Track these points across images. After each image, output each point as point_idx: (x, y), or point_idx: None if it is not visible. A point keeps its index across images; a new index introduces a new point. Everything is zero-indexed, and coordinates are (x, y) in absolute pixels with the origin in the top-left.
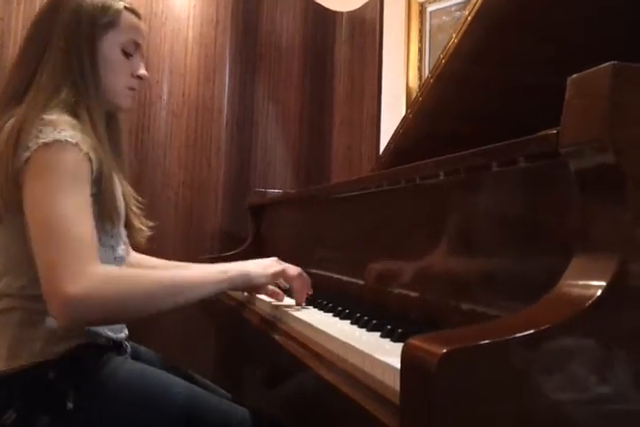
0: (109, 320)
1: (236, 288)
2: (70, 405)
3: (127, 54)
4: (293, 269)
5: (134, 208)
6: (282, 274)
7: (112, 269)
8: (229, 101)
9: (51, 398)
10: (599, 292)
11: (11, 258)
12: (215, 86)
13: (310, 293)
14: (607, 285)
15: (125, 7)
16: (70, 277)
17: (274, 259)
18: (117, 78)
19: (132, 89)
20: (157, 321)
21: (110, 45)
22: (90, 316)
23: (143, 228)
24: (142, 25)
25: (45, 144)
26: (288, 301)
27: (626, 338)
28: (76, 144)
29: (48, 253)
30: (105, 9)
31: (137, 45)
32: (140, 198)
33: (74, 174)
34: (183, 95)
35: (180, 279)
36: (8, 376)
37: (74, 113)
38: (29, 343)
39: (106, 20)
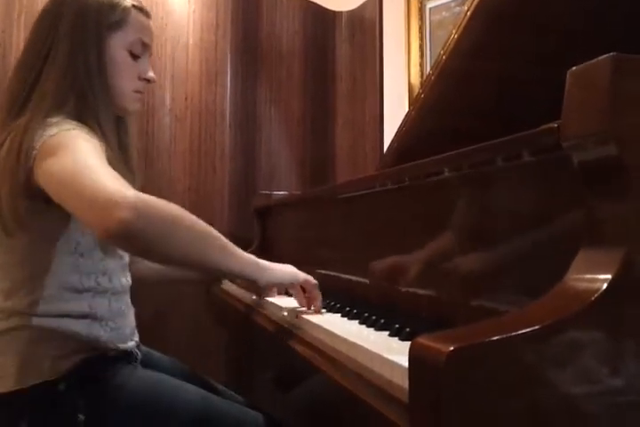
0: (161, 240)
1: (261, 281)
2: (82, 417)
3: (134, 56)
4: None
5: None
6: (309, 280)
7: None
8: (232, 105)
9: (62, 411)
10: (605, 285)
11: (21, 275)
12: (217, 90)
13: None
14: (613, 277)
15: (134, 5)
16: (122, 190)
17: (292, 266)
18: (125, 81)
19: (139, 92)
20: (169, 326)
21: (117, 46)
22: (149, 218)
23: None
24: (151, 24)
25: (51, 136)
26: (293, 303)
27: (634, 330)
28: (83, 131)
29: (85, 185)
30: (113, 7)
31: (145, 46)
32: None
33: (88, 143)
34: (186, 100)
35: (222, 239)
36: (18, 393)
37: (80, 121)
38: (39, 362)
39: (113, 20)
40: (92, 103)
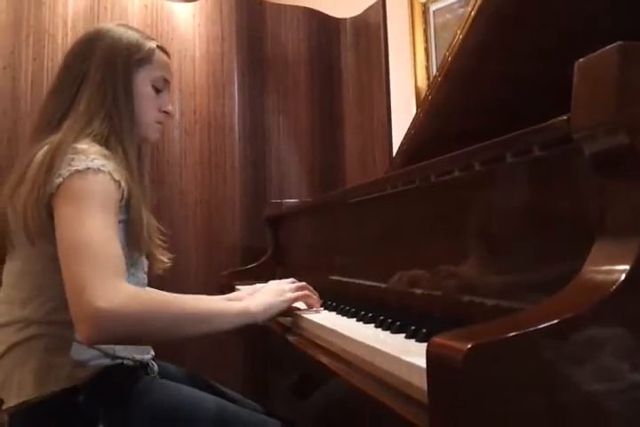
0: (136, 339)
1: (260, 322)
2: (102, 426)
3: (157, 90)
4: (303, 288)
5: (157, 240)
6: (297, 297)
7: (140, 289)
8: (240, 116)
9: (82, 422)
10: (623, 275)
11: (38, 284)
12: (225, 102)
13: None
14: (631, 267)
15: (158, 46)
16: (100, 293)
17: (279, 282)
18: (148, 112)
19: (159, 123)
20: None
21: (143, 80)
22: (118, 332)
23: (164, 259)
24: (171, 63)
25: (78, 171)
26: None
27: None
28: (108, 173)
29: (77, 270)
30: (139, 46)
31: (166, 82)
32: (163, 230)
33: (104, 200)
34: (194, 113)
35: (205, 308)
36: (38, 403)
37: (106, 144)
38: (56, 370)
39: (140, 57)
40: (117, 125)
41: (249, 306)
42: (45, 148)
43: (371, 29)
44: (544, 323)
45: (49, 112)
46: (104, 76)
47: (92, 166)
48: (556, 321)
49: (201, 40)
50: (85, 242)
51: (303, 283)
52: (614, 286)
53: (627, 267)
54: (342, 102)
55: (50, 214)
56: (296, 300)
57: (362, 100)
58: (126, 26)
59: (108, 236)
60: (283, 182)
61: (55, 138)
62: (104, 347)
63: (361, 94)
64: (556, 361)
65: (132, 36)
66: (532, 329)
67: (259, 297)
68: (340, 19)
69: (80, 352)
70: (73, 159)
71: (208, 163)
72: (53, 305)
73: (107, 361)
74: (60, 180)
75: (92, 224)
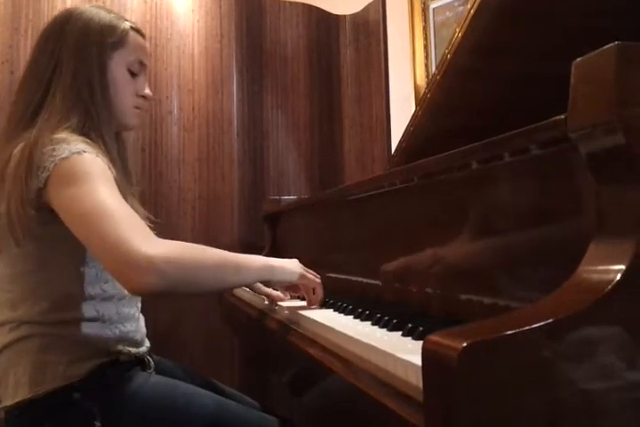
0: (191, 284)
1: (273, 281)
2: (98, 424)
3: (133, 74)
4: (315, 276)
5: None
6: (311, 278)
7: (173, 241)
8: (239, 112)
9: (78, 419)
10: (619, 275)
11: (29, 285)
12: (224, 98)
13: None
14: (627, 267)
15: (132, 27)
16: (145, 242)
17: (297, 260)
18: (125, 98)
19: (138, 108)
20: (182, 333)
21: (117, 65)
22: (176, 276)
23: None
24: (147, 45)
25: (63, 159)
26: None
27: None
28: (93, 153)
29: (108, 233)
30: (112, 29)
31: (142, 65)
32: (152, 218)
33: (99, 173)
34: (193, 110)
35: (233, 259)
36: (34, 401)
37: (85, 135)
38: (51, 368)
39: (113, 40)
40: (95, 118)
41: (269, 261)
42: (21, 145)
43: (370, 26)
44: (540, 322)
45: (22, 105)
46: (77, 65)
47: (76, 150)
48: (551, 320)
49: (200, 36)
50: (101, 208)
51: (318, 275)
52: (610, 286)
53: (622, 267)
54: (341, 99)
55: (38, 210)
56: (307, 279)
57: (361, 97)
58: (99, 7)
59: (120, 200)
60: (281, 179)
61: (31, 134)
62: (97, 341)
63: (360, 91)
64: (551, 360)
65: (104, 17)
66: (527, 328)
67: (279, 260)
68: (339, 15)
69: (75, 350)
70: (54, 149)
71: (206, 159)
72: (45, 305)
73: (102, 358)
74: (47, 173)
75: (100, 193)
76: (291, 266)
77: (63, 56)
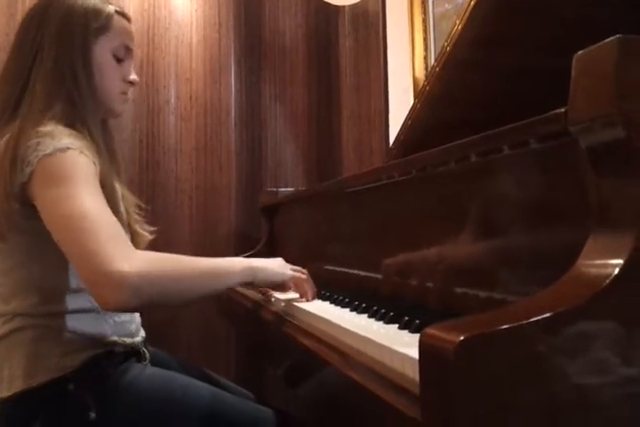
0: (162, 300)
1: (255, 283)
2: (93, 415)
3: (119, 59)
4: (302, 272)
5: (135, 215)
6: (297, 276)
7: (151, 252)
8: (237, 102)
9: (73, 410)
10: (617, 270)
11: (19, 278)
12: (222, 88)
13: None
14: (625, 262)
15: (116, 11)
16: (118, 257)
17: (281, 259)
18: (111, 84)
19: (124, 93)
20: (178, 325)
21: (102, 51)
22: (150, 291)
23: (145, 233)
24: (132, 29)
25: (47, 155)
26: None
27: None
28: (77, 149)
29: (83, 240)
30: (97, 13)
31: (128, 50)
32: (142, 204)
33: (83, 175)
34: (191, 99)
35: (213, 264)
36: (28, 393)
37: (70, 125)
38: (45, 360)
39: (98, 25)
40: (79, 106)
41: (251, 263)
42: (6, 137)
43: (369, 18)
44: (537, 315)
45: (4, 97)
46: (59, 49)
47: (60, 146)
48: (549, 314)
49: (198, 25)
50: (81, 214)
51: (304, 269)
52: (608, 280)
53: (621, 261)
54: (340, 90)
55: (23, 204)
56: (293, 278)
57: (359, 88)
58: None
59: (101, 206)
60: (278, 169)
61: (14, 126)
62: (92, 332)
63: (358, 82)
64: (548, 354)
65: (88, 1)
66: (524, 322)
67: (261, 261)
68: (338, 6)
69: (68, 341)
70: (39, 143)
71: (204, 149)
72: (37, 298)
73: (96, 349)
74: (31, 168)
75: (81, 198)
76: (274, 267)
77: (45, 42)
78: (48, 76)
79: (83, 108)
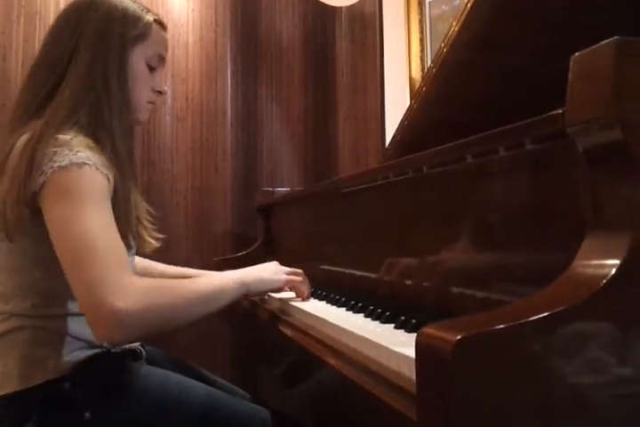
0: (158, 330)
1: (250, 295)
2: (88, 415)
3: (151, 68)
4: (297, 274)
5: (145, 222)
6: (292, 280)
7: (147, 280)
8: (233, 103)
9: (68, 410)
10: (614, 270)
11: (21, 280)
12: (218, 89)
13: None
14: (621, 263)
15: (155, 20)
16: (114, 292)
17: (275, 263)
18: (141, 93)
19: (151, 103)
20: None
21: (137, 59)
22: (141, 328)
23: (152, 241)
24: (167, 38)
25: (61, 167)
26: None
27: None
28: (94, 165)
29: (83, 270)
30: (136, 20)
31: (161, 59)
32: (153, 212)
33: (94, 193)
34: (187, 99)
35: (206, 288)
36: (24, 394)
37: (93, 135)
38: (42, 362)
39: (136, 33)
40: (106, 114)
41: (243, 278)
42: (26, 136)
43: (366, 19)
44: (534, 315)
45: (31, 92)
46: (95, 54)
47: (76, 161)
48: (545, 314)
49: (194, 25)
50: (86, 240)
51: (299, 270)
52: (604, 281)
53: (617, 262)
54: (336, 91)
55: (33, 211)
56: (288, 282)
57: (355, 89)
58: None
59: (108, 230)
60: (274, 170)
61: (36, 125)
62: (90, 335)
63: (355, 84)
64: (545, 354)
65: (128, 7)
66: (521, 322)
67: (254, 271)
68: (335, 7)
69: (66, 344)
70: (55, 153)
71: (200, 149)
72: (37, 300)
73: (93, 350)
74: (44, 178)
75: (89, 222)
76: (267, 275)
77: (81, 45)
78: (79, 80)
79: (109, 115)
